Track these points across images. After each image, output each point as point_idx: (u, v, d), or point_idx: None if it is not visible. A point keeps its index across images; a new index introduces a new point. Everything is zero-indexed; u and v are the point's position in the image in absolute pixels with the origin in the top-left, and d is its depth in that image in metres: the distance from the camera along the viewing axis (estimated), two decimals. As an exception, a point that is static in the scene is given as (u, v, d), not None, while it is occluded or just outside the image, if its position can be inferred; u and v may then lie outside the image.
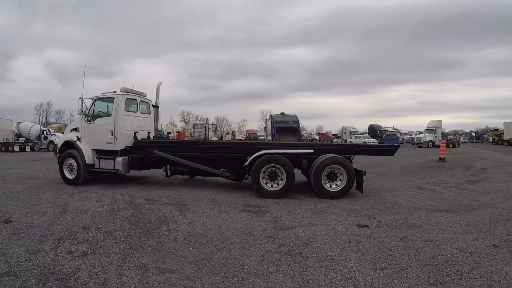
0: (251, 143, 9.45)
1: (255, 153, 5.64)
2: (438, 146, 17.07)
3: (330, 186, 5.40)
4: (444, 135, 31.11)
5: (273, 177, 5.58)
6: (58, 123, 42.88)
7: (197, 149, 6.81)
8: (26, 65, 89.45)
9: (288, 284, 2.20)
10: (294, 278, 2.30)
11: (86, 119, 6.73)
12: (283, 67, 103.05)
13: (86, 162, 6.57)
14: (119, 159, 6.53)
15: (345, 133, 38.20)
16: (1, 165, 10.81)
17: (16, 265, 2.46)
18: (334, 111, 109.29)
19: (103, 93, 7.04)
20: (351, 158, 6.36)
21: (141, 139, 7.25)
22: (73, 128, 7.19)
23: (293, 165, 5.76)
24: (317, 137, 49.20)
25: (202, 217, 4.11)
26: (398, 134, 38.40)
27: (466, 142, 43.23)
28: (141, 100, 7.70)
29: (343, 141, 36.05)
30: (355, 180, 5.38)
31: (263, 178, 5.57)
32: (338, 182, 5.40)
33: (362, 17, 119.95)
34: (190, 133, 31.83)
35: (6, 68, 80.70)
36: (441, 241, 3.08)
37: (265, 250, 2.90)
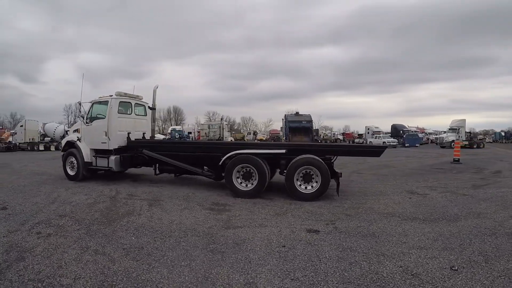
0: (229, 143, 9.90)
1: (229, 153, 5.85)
2: (463, 146, 16.28)
3: (306, 187, 5.39)
4: (473, 134, 29.46)
5: (247, 177, 5.71)
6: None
7: (183, 149, 7.22)
8: (58, 68, 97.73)
9: (186, 278, 2.34)
10: (197, 274, 2.39)
11: (84, 121, 7.78)
12: (311, 67, 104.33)
13: (85, 160, 7.47)
14: (112, 157, 7.33)
15: (368, 133, 37.59)
16: (22, 162, 12.37)
17: None
18: (363, 110, 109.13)
19: (100, 97, 7.96)
20: (332, 159, 6.56)
21: (135, 139, 8.13)
22: (75, 129, 8.27)
23: (273, 165, 6.01)
24: (340, 137, 49.53)
25: (165, 212, 4.42)
26: (422, 134, 37.82)
27: (491, 142, 40.58)
28: (136, 103, 8.51)
29: (364, 141, 35.92)
30: (329, 182, 5.29)
31: (237, 177, 5.74)
32: (314, 184, 5.35)
33: (391, 15, 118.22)
34: (205, 133, 33.18)
35: (39, 71, 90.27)
36: (388, 256, 2.78)
37: (194, 245, 3.04)
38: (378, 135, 33.61)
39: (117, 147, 7.45)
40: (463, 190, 6.22)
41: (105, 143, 7.32)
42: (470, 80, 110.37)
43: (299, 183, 5.48)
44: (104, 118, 7.42)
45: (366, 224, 3.88)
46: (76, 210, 4.53)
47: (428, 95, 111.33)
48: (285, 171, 5.66)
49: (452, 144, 23.24)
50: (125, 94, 8.02)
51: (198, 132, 39.87)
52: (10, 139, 23.43)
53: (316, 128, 56.43)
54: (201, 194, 5.91)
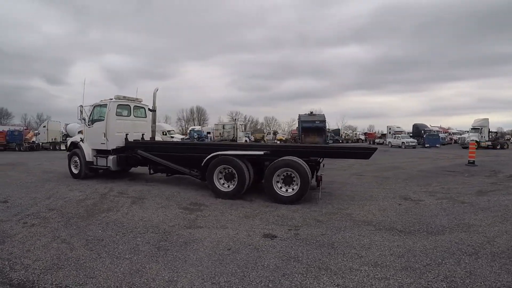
0: (213, 144, 10.33)
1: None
2: (485, 147, 15.33)
3: (287, 190, 5.50)
4: (500, 134, 27.63)
5: (229, 178, 5.98)
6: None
7: (174, 150, 7.76)
8: (83, 70, 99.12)
9: (122, 269, 2.72)
10: (132, 267, 2.75)
11: (86, 123, 8.66)
12: (334, 66, 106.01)
13: (86, 160, 8.32)
14: (110, 157, 8.08)
15: (389, 132, 37.23)
16: (38, 161, 13.57)
17: None
18: (387, 110, 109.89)
19: (101, 100, 8.86)
20: (319, 160, 6.69)
21: (134, 140, 8.88)
22: (79, 130, 9.26)
23: (258, 167, 6.12)
24: (362, 137, 50.12)
25: (142, 209, 4.88)
26: (445, 134, 37.46)
27: None
28: (135, 106, 9.30)
29: (384, 141, 35.86)
30: (309, 185, 5.33)
31: (220, 178, 6.05)
32: (295, 187, 5.43)
33: (414, 12, 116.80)
34: (220, 133, 34.09)
35: (65, 73, 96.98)
36: (331, 271, 2.68)
37: (146, 241, 3.38)
38: (397, 135, 33.23)
39: (115, 147, 8.18)
40: (465, 197, 5.91)
41: (104, 143, 8.09)
42: (497, 78, 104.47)
43: (279, 185, 5.61)
44: (103, 120, 8.18)
45: (332, 232, 3.80)
46: (66, 205, 5.21)
47: (454, 94, 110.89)
48: None
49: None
50: (124, 97, 8.78)
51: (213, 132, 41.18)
52: (34, 139, 25.94)
53: (338, 128, 56.44)
54: (186, 194, 6.38)
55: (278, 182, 5.64)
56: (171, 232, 3.78)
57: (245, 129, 35.59)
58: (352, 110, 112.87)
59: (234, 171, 5.90)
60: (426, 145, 28.66)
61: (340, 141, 48.05)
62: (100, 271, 2.68)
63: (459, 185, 7.36)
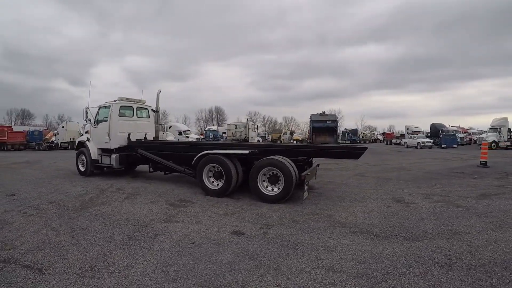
0: (203, 143, 10.68)
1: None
2: (504, 147, 14.55)
3: (272, 189, 5.68)
4: None
5: (217, 176, 6.29)
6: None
7: (171, 149, 8.24)
8: (105, 72, 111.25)
9: (91, 253, 3.12)
10: (101, 252, 3.15)
11: (92, 124, 9.41)
12: (355, 65, 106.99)
13: (92, 158, 9.11)
14: (113, 156, 8.75)
15: (407, 132, 37.32)
16: (53, 160, 14.78)
17: None
18: (408, 109, 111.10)
19: (106, 102, 9.60)
20: (309, 160, 6.83)
21: (136, 139, 9.52)
22: (86, 130, 10.07)
23: (248, 166, 6.35)
24: (380, 137, 51.11)
25: (132, 204, 5.33)
26: (464, 134, 37.63)
27: None
28: (138, 107, 9.99)
29: (401, 141, 35.83)
30: (292, 185, 5.44)
31: (210, 177, 6.38)
32: (280, 186, 5.58)
33: (434, 9, 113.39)
34: (232, 133, 34.80)
35: (87, 74, 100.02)
36: (279, 272, 2.72)
37: (122, 232, 3.77)
38: (413, 135, 33.39)
39: (117, 146, 8.85)
40: (463, 200, 5.71)
41: (108, 143, 8.77)
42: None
43: (266, 184, 5.80)
44: (107, 120, 8.87)
45: (303, 233, 3.84)
46: (65, 198, 5.83)
47: (476, 92, 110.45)
48: None
49: (492, 145, 22.30)
50: (127, 99, 9.45)
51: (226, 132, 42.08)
52: (53, 139, 27.93)
53: (355, 128, 55.67)
54: (179, 191, 6.81)
55: (264, 181, 5.84)
56: (148, 225, 4.16)
57: (257, 129, 35.94)
58: (373, 110, 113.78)
59: (221, 170, 6.24)
60: (443, 146, 28.58)
61: (358, 141, 48.30)
62: (72, 254, 3.11)
63: (463, 188, 7.21)
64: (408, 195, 6.39)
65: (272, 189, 5.75)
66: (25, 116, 66.67)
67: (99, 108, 9.23)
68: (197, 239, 3.58)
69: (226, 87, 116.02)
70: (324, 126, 22.23)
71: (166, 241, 3.52)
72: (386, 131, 66.73)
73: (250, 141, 30.66)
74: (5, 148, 24.37)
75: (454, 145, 28.57)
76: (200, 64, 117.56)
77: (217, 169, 6.41)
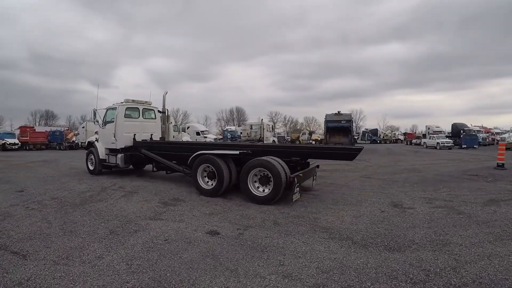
0: (201, 143, 10.98)
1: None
2: None
3: (263, 190, 5.78)
4: None
5: (211, 176, 6.52)
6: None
7: (172, 149, 8.58)
8: (128, 73, 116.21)
9: (72, 244, 3.47)
10: (81, 243, 3.51)
11: (100, 125, 10.07)
12: (377, 64, 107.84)
13: (100, 158, 9.77)
14: (119, 155, 9.33)
15: (428, 132, 37.08)
16: (70, 159, 15.85)
17: None
18: (432, 109, 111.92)
19: (113, 104, 10.23)
20: (302, 161, 6.53)
21: (142, 140, 10.07)
22: (95, 131, 10.79)
23: (241, 166, 6.30)
24: (401, 137, 50.97)
25: (126, 202, 5.71)
26: (487, 134, 37.10)
27: None
28: (144, 108, 10.56)
29: (420, 142, 35.86)
30: (281, 186, 5.45)
31: (205, 176, 6.64)
32: (271, 187, 5.65)
33: (458, 6, 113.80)
34: (247, 133, 35.26)
35: (111, 76, 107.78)
36: (233, 274, 2.78)
37: (106, 227, 4.12)
38: (432, 135, 33.34)
39: (123, 146, 9.43)
40: (468, 206, 5.37)
41: (114, 143, 9.36)
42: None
43: (257, 185, 5.91)
44: (113, 122, 9.47)
45: (279, 236, 3.86)
46: (68, 195, 6.37)
47: (502, 90, 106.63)
48: None
49: (512, 145, 20.56)
50: (133, 101, 10.02)
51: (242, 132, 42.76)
52: (74, 139, 29.77)
53: (376, 128, 56.33)
54: (176, 190, 7.15)
55: (255, 182, 5.95)
56: (132, 221, 4.47)
57: (272, 129, 36.16)
58: (395, 109, 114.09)
59: (214, 170, 6.49)
60: (463, 146, 28.19)
61: (378, 141, 48.09)
62: (56, 244, 3.48)
63: (471, 192, 6.91)
64: (409, 199, 6.20)
65: (263, 190, 5.84)
66: (48, 117, 71.57)
67: (107, 110, 9.86)
68: (172, 237, 3.79)
69: (248, 87, 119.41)
70: (338, 126, 21.93)
71: (142, 237, 3.77)
72: (408, 131, 66.82)
73: (265, 141, 30.93)
74: (27, 148, 26.46)
75: (475, 146, 28.00)
76: (222, 64, 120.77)
77: (211, 169, 6.65)
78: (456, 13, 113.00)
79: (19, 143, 26.44)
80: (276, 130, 79.41)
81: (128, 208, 5.33)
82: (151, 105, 10.75)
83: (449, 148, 27.49)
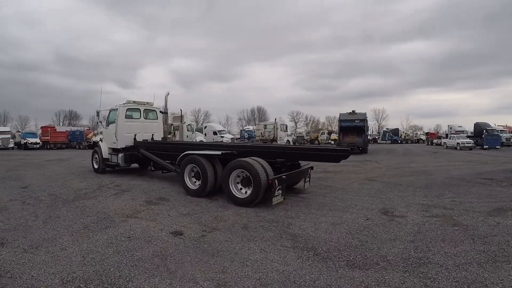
0: (191, 143, 11.17)
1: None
2: None
3: (246, 192, 5.90)
4: None
5: (197, 177, 6.81)
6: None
7: (167, 149, 9.10)
8: (152, 74, 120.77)
9: (47, 235, 3.88)
10: (56, 235, 3.92)
11: (104, 125, 10.82)
12: (400, 63, 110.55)
13: (103, 157, 10.56)
14: (119, 155, 10.00)
15: (450, 132, 37.60)
16: (84, 158, 16.40)
17: None
18: (456, 108, 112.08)
19: (116, 105, 10.94)
20: (286, 162, 6.44)
21: (143, 140, 10.68)
22: (100, 131, 11.58)
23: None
24: (423, 137, 51.32)
25: (114, 199, 6.25)
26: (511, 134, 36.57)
27: None
28: (145, 109, 11.18)
29: (441, 142, 35.98)
30: (260, 188, 5.49)
31: (192, 177, 6.96)
32: (251, 189, 5.72)
33: (481, 1, 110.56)
34: (261, 133, 35.61)
35: (135, 77, 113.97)
36: (169, 276, 2.89)
37: (83, 221, 4.62)
38: (453, 135, 33.57)
39: (124, 146, 10.10)
40: (468, 216, 4.95)
41: (115, 143, 10.04)
42: None
43: (240, 186, 6.05)
44: (114, 122, 10.14)
45: (239, 241, 3.91)
46: (65, 192, 7.07)
47: None
48: None
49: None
50: (134, 102, 10.68)
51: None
52: (94, 138, 31.68)
53: (396, 127, 56.36)
54: (167, 190, 7.56)
55: (238, 183, 6.10)
56: (109, 218, 4.92)
57: (286, 129, 36.29)
58: (419, 108, 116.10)
59: (199, 170, 6.80)
60: (485, 146, 27.89)
61: (399, 141, 48.59)
62: (32, 235, 4.01)
63: (479, 198, 6.45)
64: (405, 205, 5.88)
65: (246, 192, 5.95)
66: (72, 117, 76.63)
67: (110, 111, 10.61)
68: (136, 235, 4.13)
69: (270, 87, 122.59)
70: (352, 125, 21.94)
71: (109, 233, 4.17)
72: (432, 131, 68.47)
73: (278, 141, 31.18)
74: (48, 147, 28.66)
75: (497, 146, 27.72)
76: (244, 64, 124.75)
77: (196, 169, 6.89)
78: (480, 9, 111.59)
79: (40, 143, 28.85)
80: (298, 130, 79.85)
81: (112, 205, 5.81)
82: (153, 105, 11.30)
83: (470, 148, 27.40)
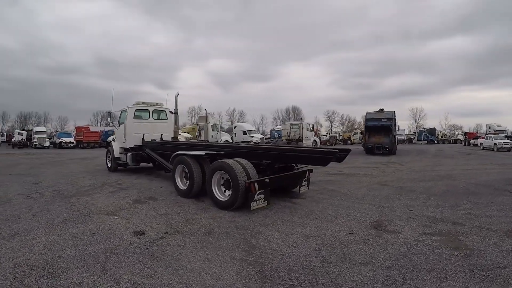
0: (185, 143, 11.14)
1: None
2: None
3: (229, 194, 5.86)
4: None
5: (187, 177, 7.04)
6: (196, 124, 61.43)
7: (168, 149, 9.62)
8: (190, 75, 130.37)
9: (26, 226, 4.29)
10: (31, 225, 4.48)
11: (116, 126, 11.66)
12: (440, 60, 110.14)
13: (115, 156, 11.44)
14: (128, 154, 10.83)
15: (489, 132, 37.86)
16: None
17: (6, 196, 6.82)
18: (499, 106, 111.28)
19: (126, 106, 11.72)
20: (272, 164, 6.37)
21: (152, 140, 11.32)
22: (113, 131, 12.49)
23: None
24: (461, 137, 50.56)
25: (106, 197, 6.85)
26: None
27: None
28: (154, 109, 11.83)
29: (477, 142, 35.16)
30: (239, 191, 5.42)
31: (184, 177, 7.27)
32: (231, 192, 5.71)
33: None
34: (287, 133, 35.56)
35: (174, 78, 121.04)
36: (105, 277, 3.01)
37: (64, 216, 5.21)
38: (491, 135, 33.09)
39: (133, 146, 10.85)
40: (479, 236, 4.25)
41: (124, 142, 10.79)
42: None
43: (223, 189, 6.10)
44: (124, 123, 10.90)
45: (193, 246, 3.96)
46: (69, 188, 7.96)
47: None
48: None
49: None
50: (143, 103, 11.40)
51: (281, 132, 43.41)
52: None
53: (433, 127, 56.76)
54: (163, 189, 8.03)
55: (223, 185, 6.15)
56: (90, 214, 5.47)
57: (312, 128, 35.99)
58: (460, 107, 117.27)
59: (187, 171, 7.05)
60: None
61: (436, 141, 48.62)
62: (17, 225, 4.73)
63: (501, 212, 5.58)
64: (406, 217, 5.30)
65: (229, 194, 5.93)
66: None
67: (121, 112, 11.48)
68: (101, 232, 4.52)
69: (307, 87, 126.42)
70: (379, 125, 21.22)
71: (80, 228, 4.66)
72: (472, 130, 70.12)
73: (304, 141, 31.15)
74: (82, 146, 31.43)
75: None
76: (281, 64, 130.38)
77: (185, 169, 7.14)
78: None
79: (74, 142, 31.82)
80: (333, 130, 78.92)
81: (101, 202, 6.40)
82: (162, 106, 11.90)
83: (508, 149, 26.86)
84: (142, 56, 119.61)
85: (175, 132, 12.66)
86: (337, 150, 5.71)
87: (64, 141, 31.42)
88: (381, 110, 22.67)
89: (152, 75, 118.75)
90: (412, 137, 54.41)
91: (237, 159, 6.17)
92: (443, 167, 13.55)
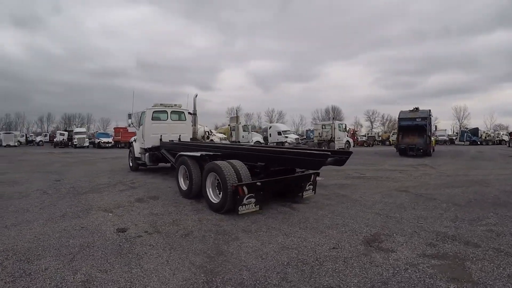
0: (192, 144, 10.98)
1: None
2: None
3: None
4: None
5: (188, 177, 7.33)
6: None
7: (178, 149, 10.19)
8: (230, 76, 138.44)
9: (23, 217, 4.89)
10: (29, 216, 5.11)
11: (136, 127, 12.47)
12: (483, 56, 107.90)
13: (135, 156, 12.29)
14: (146, 154, 11.60)
15: None
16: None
17: (26, 191, 7.87)
18: None
19: (146, 108, 12.47)
20: (265, 166, 6.29)
21: (169, 140, 11.93)
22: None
23: None
24: (506, 138, 49.53)
25: (113, 195, 7.48)
26: None
27: None
28: (172, 111, 12.44)
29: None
30: (227, 194, 5.43)
31: (186, 177, 7.62)
32: (222, 194, 5.80)
33: None
34: (319, 133, 35.06)
35: (214, 79, 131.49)
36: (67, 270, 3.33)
37: (66, 211, 5.76)
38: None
39: (151, 146, 11.55)
40: (492, 263, 3.54)
41: (143, 143, 11.53)
42: None
43: (217, 191, 6.15)
44: (143, 124, 11.65)
45: (163, 248, 4.03)
46: (85, 186, 8.85)
47: None
48: None
49: None
50: (161, 105, 12.09)
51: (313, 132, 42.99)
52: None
53: (476, 127, 55.67)
54: (172, 189, 8.44)
55: (217, 186, 6.23)
56: (89, 210, 6.07)
57: (345, 128, 35.23)
58: (507, 105, 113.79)
59: (187, 171, 7.33)
60: None
61: (479, 142, 48.20)
62: (22, 217, 5.44)
63: None
64: (410, 232, 4.68)
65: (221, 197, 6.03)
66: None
67: (142, 113, 12.24)
68: (89, 226, 4.97)
69: (347, 86, 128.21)
70: (413, 124, 20.55)
71: (73, 222, 5.20)
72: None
73: (336, 142, 31.39)
74: (119, 146, 33.88)
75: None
76: (321, 64, 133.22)
77: (186, 170, 7.43)
78: None
79: (112, 142, 34.47)
80: (374, 130, 76.00)
81: (105, 200, 7.00)
82: (181, 107, 12.47)
83: None
84: (183, 59, 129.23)
85: (194, 133, 13.17)
86: (329, 153, 5.36)
87: (102, 141, 34.64)
88: (416, 108, 21.85)
89: (194, 77, 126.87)
90: (454, 137, 53.78)
91: (231, 160, 6.23)
92: (479, 171, 12.57)
